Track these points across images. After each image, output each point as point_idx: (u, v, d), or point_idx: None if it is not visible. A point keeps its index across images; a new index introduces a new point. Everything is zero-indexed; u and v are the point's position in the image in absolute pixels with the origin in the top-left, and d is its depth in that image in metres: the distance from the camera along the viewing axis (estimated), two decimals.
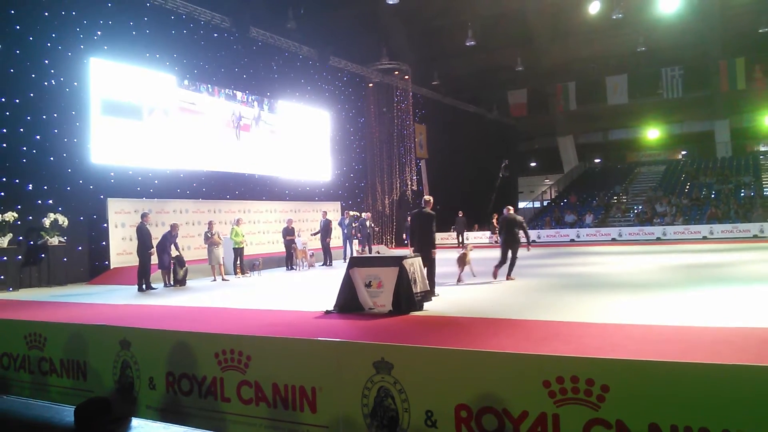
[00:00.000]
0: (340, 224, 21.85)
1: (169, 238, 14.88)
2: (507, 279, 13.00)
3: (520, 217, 13.57)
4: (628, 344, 6.46)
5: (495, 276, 12.99)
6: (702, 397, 2.93)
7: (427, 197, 11.37)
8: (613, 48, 36.55)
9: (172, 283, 14.96)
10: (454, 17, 32.40)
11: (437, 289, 10.88)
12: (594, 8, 28.42)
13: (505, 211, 13.71)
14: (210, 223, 16.57)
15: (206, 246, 16.23)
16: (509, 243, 13.17)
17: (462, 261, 13.07)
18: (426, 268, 10.14)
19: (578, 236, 29.88)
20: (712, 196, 32.82)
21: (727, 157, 38.68)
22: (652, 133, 43.85)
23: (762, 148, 42.00)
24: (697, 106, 39.12)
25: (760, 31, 30.82)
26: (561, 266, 16.46)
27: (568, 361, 3.33)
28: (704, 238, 26.88)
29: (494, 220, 29.14)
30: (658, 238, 27.76)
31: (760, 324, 7.23)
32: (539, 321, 8.09)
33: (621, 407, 3.09)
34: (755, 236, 26.16)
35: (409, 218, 14.59)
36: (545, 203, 40.69)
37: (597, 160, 47.73)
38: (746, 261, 15.91)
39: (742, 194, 32.44)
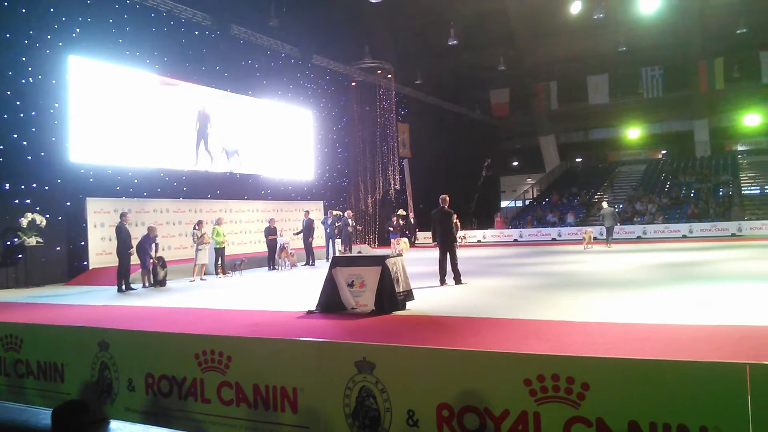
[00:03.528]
0: (323, 224, 21.78)
1: (148, 240, 14.73)
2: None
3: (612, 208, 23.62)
4: (609, 342, 6.51)
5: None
6: (681, 394, 2.95)
7: (443, 196, 12.62)
8: (594, 48, 36.83)
9: (152, 283, 14.82)
10: (437, 16, 32.46)
11: (462, 279, 12.39)
12: (575, 8, 28.57)
13: (605, 204, 24.13)
14: (200, 222, 16.43)
15: (194, 245, 16.14)
16: (611, 228, 22.46)
17: (587, 238, 22.01)
18: (444, 257, 12.23)
19: (560, 235, 30.07)
20: (692, 195, 33.23)
21: (706, 156, 39.17)
22: (633, 133, 44.24)
23: (740, 148, 42.57)
24: (677, 106, 39.57)
25: (738, 32, 31.23)
26: (542, 265, 16.56)
27: (548, 360, 3.33)
28: (684, 236, 27.19)
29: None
30: (639, 237, 28.03)
31: (737, 321, 7.33)
32: (520, 320, 8.13)
33: (601, 405, 3.10)
34: (733, 234, 26.51)
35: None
36: (527, 202, 40.90)
37: (578, 160, 48.04)
38: (724, 259, 16.12)
39: (721, 193, 32.87)
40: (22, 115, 15.94)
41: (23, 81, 16.04)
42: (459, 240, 29.02)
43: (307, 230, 20.28)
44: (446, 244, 12.30)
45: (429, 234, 28.70)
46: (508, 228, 33.35)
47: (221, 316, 9.84)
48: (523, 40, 37.37)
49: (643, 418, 3.00)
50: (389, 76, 30.40)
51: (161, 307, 11.24)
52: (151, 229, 15.04)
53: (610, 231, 22.47)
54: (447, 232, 12.28)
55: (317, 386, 4.02)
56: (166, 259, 15.33)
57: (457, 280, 12.26)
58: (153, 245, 14.83)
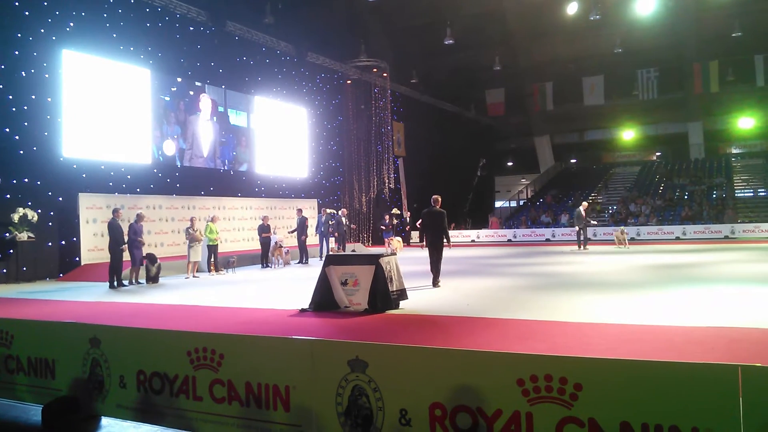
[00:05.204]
0: (318, 223, 21.73)
1: (137, 229, 14.57)
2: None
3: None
4: (602, 343, 6.52)
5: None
6: (673, 395, 2.95)
7: (435, 196, 12.47)
8: (590, 49, 36.88)
9: (144, 280, 14.74)
10: (434, 16, 32.43)
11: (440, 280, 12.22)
12: (572, 9, 28.63)
13: (581, 207, 22.73)
14: (192, 219, 16.48)
15: (186, 242, 16.09)
16: (584, 230, 22.43)
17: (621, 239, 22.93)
18: (434, 258, 12.02)
19: (554, 236, 30.13)
20: (686, 197, 33.34)
21: (700, 158, 39.32)
22: (628, 134, 44.33)
23: (734, 151, 42.75)
24: (672, 108, 39.68)
25: (734, 35, 31.36)
26: (536, 265, 16.58)
27: (541, 360, 3.33)
28: (677, 238, 27.29)
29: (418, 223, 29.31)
30: (633, 238, 28.05)
31: (729, 323, 7.35)
32: (514, 320, 8.14)
33: (593, 406, 3.10)
34: (726, 237, 26.63)
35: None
36: (521, 203, 40.97)
37: (573, 161, 48.12)
38: (718, 261, 16.18)
39: (714, 195, 33.00)
40: (14, 109, 15.85)
41: (16, 75, 15.94)
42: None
43: (301, 228, 20.25)
44: (437, 243, 12.19)
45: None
46: (502, 228, 33.40)
47: (213, 313, 9.81)
48: (519, 40, 37.41)
49: (635, 419, 3.01)
50: (385, 74, 30.36)
51: (153, 304, 11.19)
52: (139, 216, 14.91)
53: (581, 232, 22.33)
54: (439, 232, 12.20)
55: (310, 385, 4.00)
56: (158, 256, 15.26)
57: (435, 281, 12.01)
58: (141, 234, 14.66)
